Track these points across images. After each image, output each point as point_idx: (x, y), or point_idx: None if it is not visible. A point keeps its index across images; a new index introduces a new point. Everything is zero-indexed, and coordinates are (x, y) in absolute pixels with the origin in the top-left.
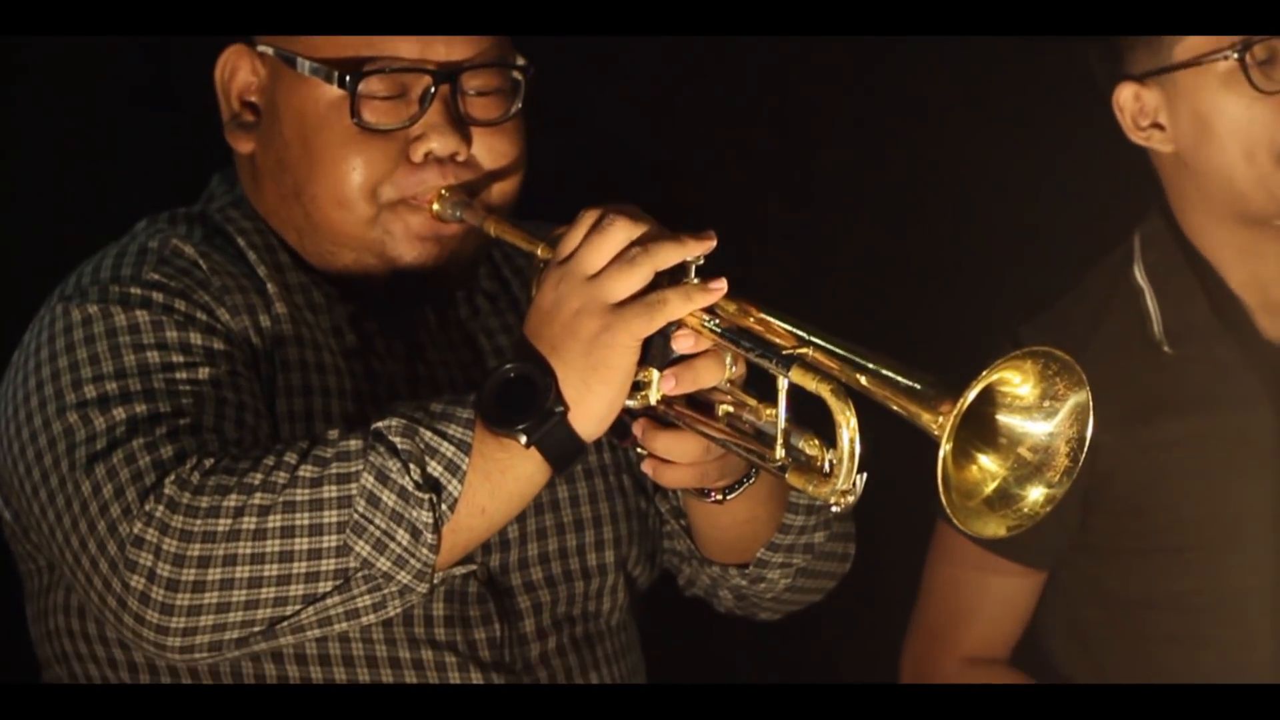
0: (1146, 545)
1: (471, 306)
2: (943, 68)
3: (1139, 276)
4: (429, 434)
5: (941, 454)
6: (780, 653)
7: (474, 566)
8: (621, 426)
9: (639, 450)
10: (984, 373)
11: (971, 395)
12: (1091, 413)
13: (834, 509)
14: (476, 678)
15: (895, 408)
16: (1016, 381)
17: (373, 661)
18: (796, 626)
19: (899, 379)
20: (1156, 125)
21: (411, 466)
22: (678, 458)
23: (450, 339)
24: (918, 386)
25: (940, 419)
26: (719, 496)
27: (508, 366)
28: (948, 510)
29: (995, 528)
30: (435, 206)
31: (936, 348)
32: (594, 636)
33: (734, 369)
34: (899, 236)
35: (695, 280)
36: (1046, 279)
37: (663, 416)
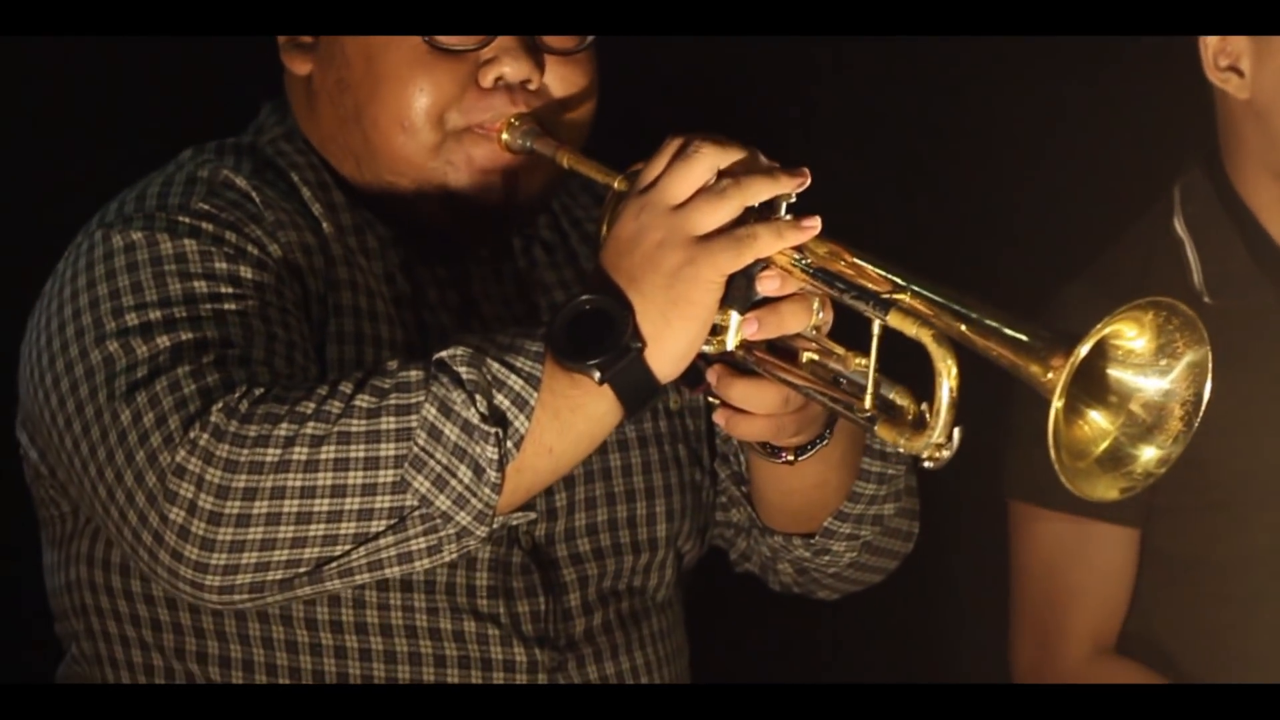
0: (1194, 501)
1: (529, 258)
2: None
3: (1179, 228)
4: (496, 365)
5: (1053, 411)
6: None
7: (533, 515)
8: (694, 372)
9: (711, 399)
10: (1100, 323)
11: (1086, 348)
12: (1210, 373)
13: (926, 464)
14: (519, 652)
15: (1000, 359)
16: (1131, 335)
17: (412, 631)
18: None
19: (1006, 329)
20: (1235, 69)
21: (478, 398)
22: (754, 407)
23: (505, 293)
24: (1026, 338)
25: (1051, 373)
26: (790, 457)
27: (583, 298)
28: (1059, 471)
29: (1106, 490)
30: (504, 136)
31: None
32: (640, 613)
33: (820, 314)
34: (924, 206)
35: (787, 216)
36: (1073, 248)
37: (740, 363)
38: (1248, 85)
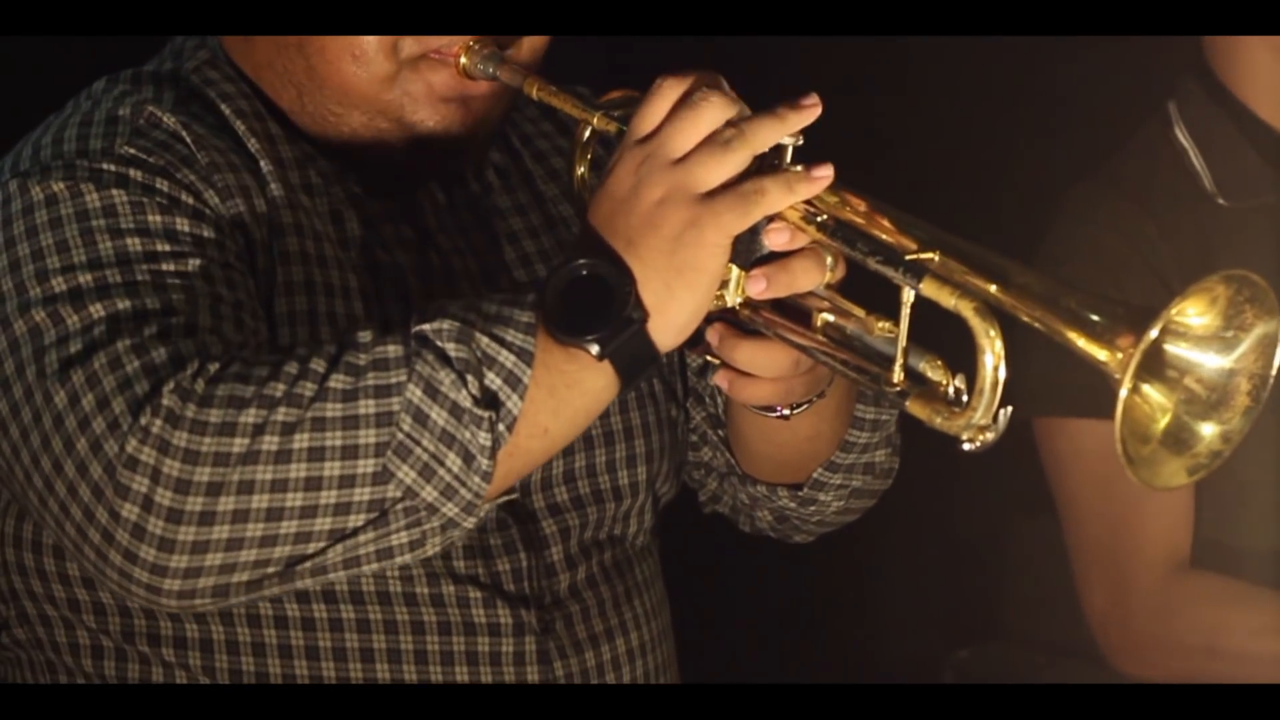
0: None
1: (482, 183)
2: None
3: (1181, 137)
4: (486, 340)
5: (1121, 397)
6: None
7: (515, 495)
8: (694, 333)
9: (710, 359)
10: (1177, 299)
11: (1157, 329)
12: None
13: (967, 446)
14: (503, 613)
15: (1054, 333)
16: (1195, 310)
17: (386, 598)
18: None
19: (1061, 300)
20: None
21: (469, 378)
22: (761, 370)
23: (461, 222)
24: (1089, 314)
25: (1118, 355)
26: (785, 412)
27: (580, 263)
28: (1125, 463)
29: (1174, 475)
30: (463, 60)
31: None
32: (623, 563)
33: (834, 271)
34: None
35: (796, 166)
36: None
37: (744, 322)
38: None
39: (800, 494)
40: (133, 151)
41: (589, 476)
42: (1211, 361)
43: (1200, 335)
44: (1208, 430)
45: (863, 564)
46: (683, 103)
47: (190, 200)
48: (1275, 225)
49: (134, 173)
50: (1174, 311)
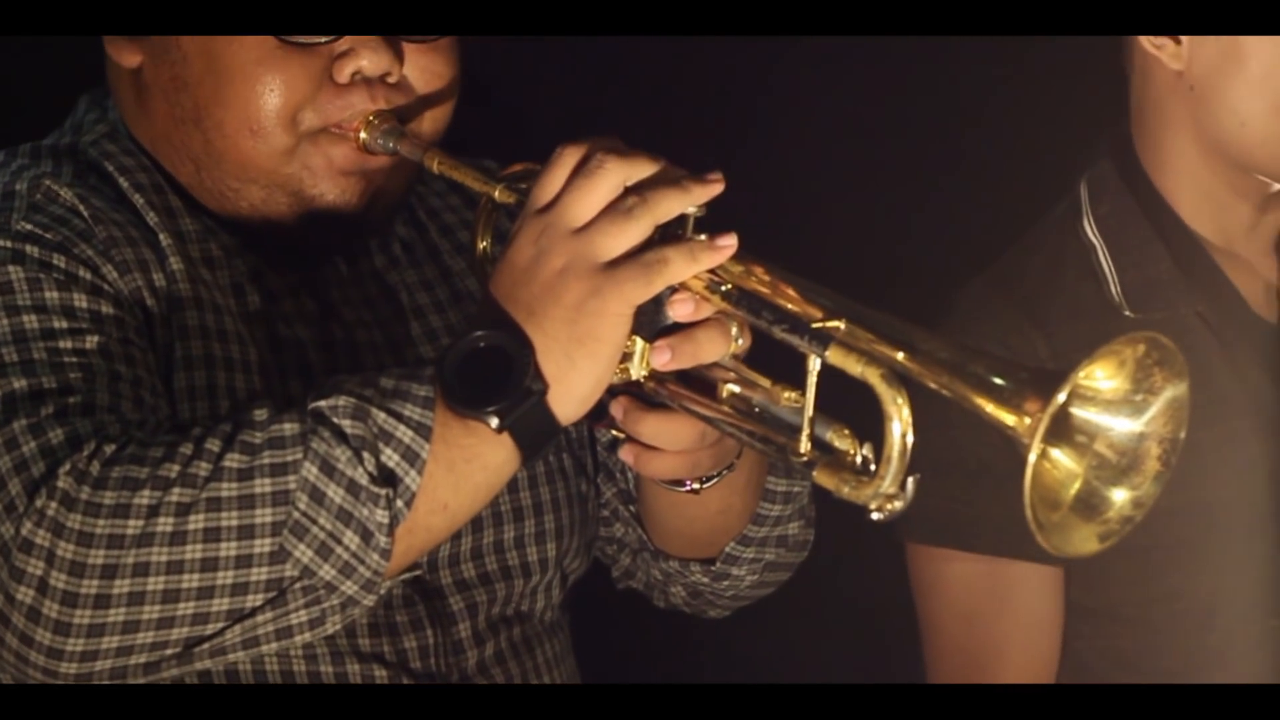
0: (1116, 546)
1: (387, 255)
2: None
3: (1089, 232)
4: (382, 415)
5: (1030, 462)
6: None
7: (418, 572)
8: (597, 405)
9: (615, 433)
10: (1084, 362)
11: (1065, 392)
12: (1188, 409)
13: (875, 515)
14: None
15: (961, 399)
16: (1103, 373)
17: (290, 678)
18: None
19: (967, 366)
20: (1172, 37)
21: (364, 455)
22: (667, 444)
23: (366, 294)
24: (994, 378)
25: (1026, 419)
26: (695, 486)
27: (476, 334)
28: (1035, 530)
29: (1085, 541)
30: (363, 135)
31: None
32: (532, 639)
33: (739, 341)
34: (825, 206)
35: (699, 235)
36: (980, 242)
37: (649, 394)
38: (1183, 55)
39: (713, 569)
40: (29, 227)
41: (496, 553)
42: (1121, 425)
43: (1109, 399)
44: (1119, 496)
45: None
46: (579, 170)
47: (88, 276)
48: (1181, 340)
49: (30, 248)
50: (1082, 375)
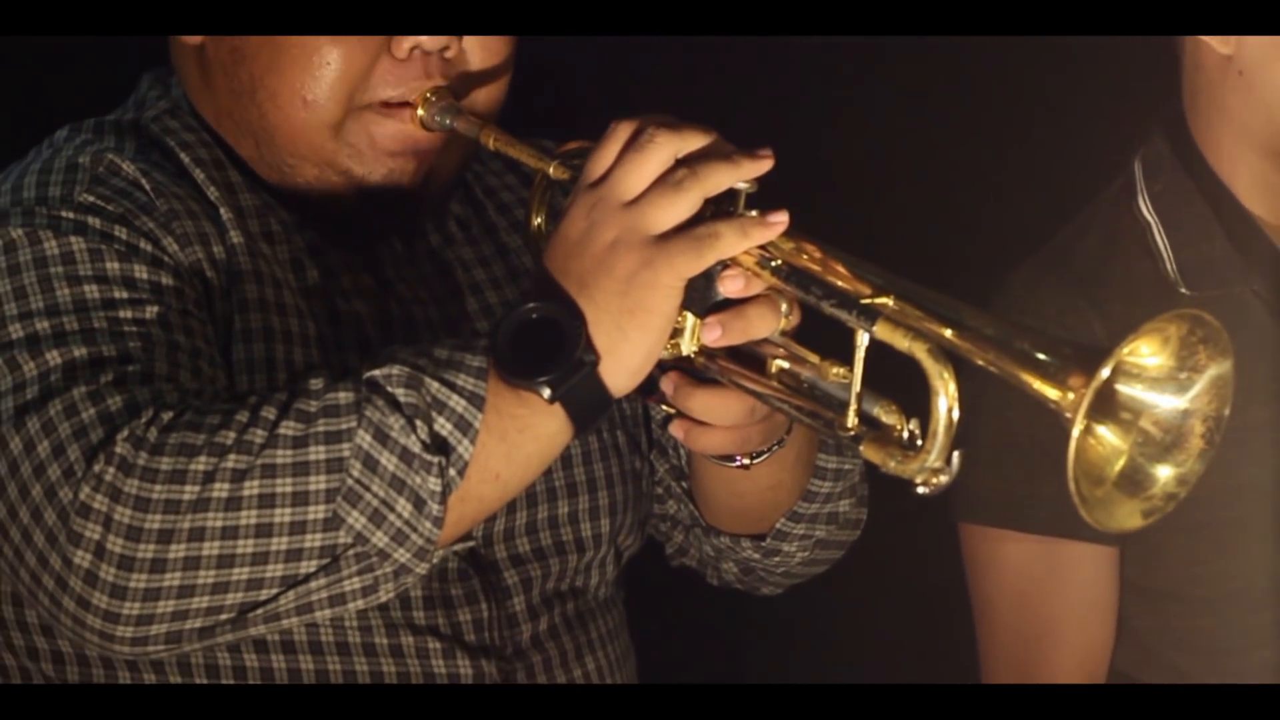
0: (1171, 524)
1: (443, 234)
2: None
3: (1144, 209)
4: (435, 385)
5: (1074, 436)
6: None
7: (472, 543)
8: (647, 380)
9: (664, 408)
10: (1128, 338)
11: (1109, 367)
12: (1232, 387)
13: (920, 490)
14: (464, 665)
15: (1005, 375)
16: (1148, 350)
17: (344, 649)
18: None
19: (1014, 342)
20: None
21: (418, 423)
22: (716, 419)
23: (422, 272)
24: (1040, 354)
25: (1071, 394)
26: (745, 461)
27: (529, 306)
28: (1078, 504)
29: (1128, 517)
30: (420, 112)
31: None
32: (585, 615)
33: (789, 317)
34: (875, 194)
35: (751, 212)
36: (1030, 223)
37: (699, 370)
38: (1232, 39)
39: (764, 545)
40: (91, 199)
41: (551, 528)
42: (1166, 402)
43: (1154, 376)
44: (1163, 473)
45: (832, 615)
46: (631, 144)
47: (149, 247)
48: (1238, 318)
49: (92, 220)
50: (1126, 351)
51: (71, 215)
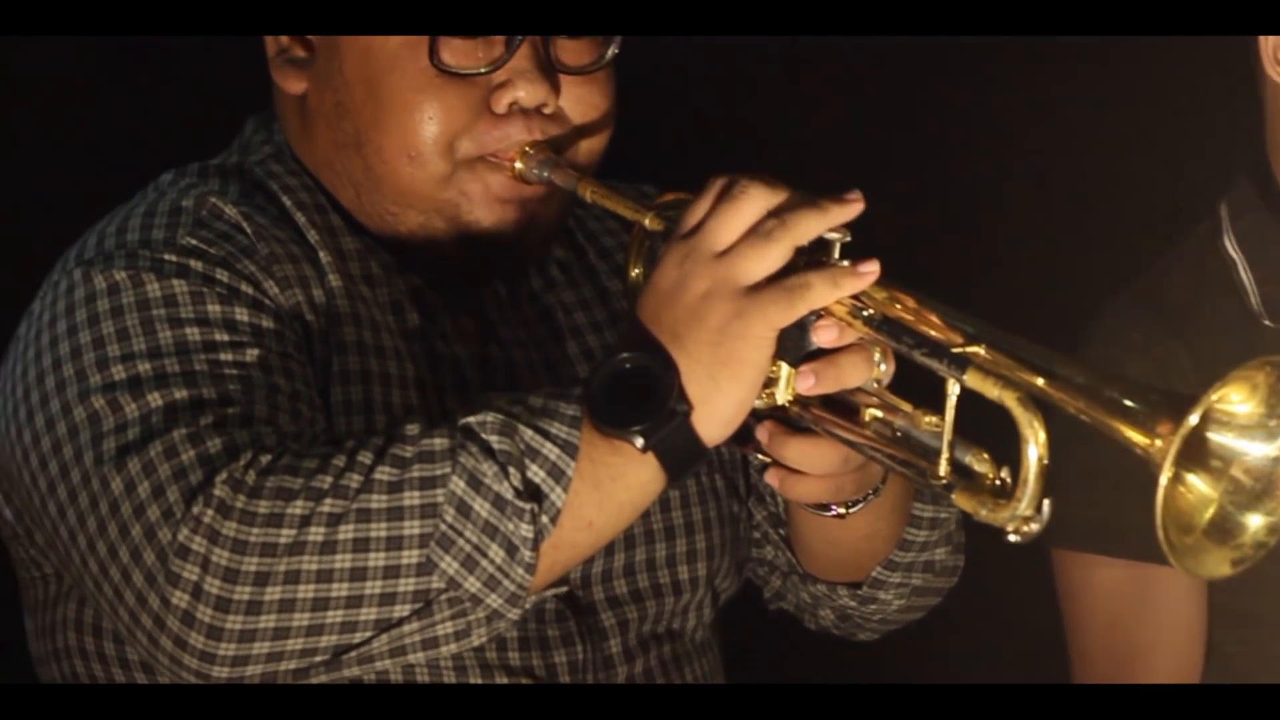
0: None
1: (545, 278)
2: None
3: (1230, 248)
4: (529, 432)
5: (1162, 484)
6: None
7: (566, 588)
8: (743, 429)
9: (760, 457)
10: (1216, 385)
11: (1198, 415)
12: None
13: (1012, 538)
14: None
15: (1095, 423)
16: (1238, 397)
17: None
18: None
19: (1103, 390)
20: None
21: (511, 470)
22: (811, 468)
23: (523, 315)
24: (1128, 401)
25: (1159, 441)
26: (841, 510)
27: (623, 356)
28: (1167, 552)
29: (1218, 565)
30: (518, 165)
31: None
32: (682, 658)
33: (882, 367)
34: (955, 225)
35: (843, 262)
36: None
37: (794, 419)
38: None
39: (860, 593)
40: (194, 242)
41: (648, 570)
42: (1256, 450)
43: (1244, 424)
44: (1254, 521)
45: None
46: (723, 196)
47: (250, 290)
48: None
49: (195, 263)
50: (1215, 398)
51: (175, 258)
